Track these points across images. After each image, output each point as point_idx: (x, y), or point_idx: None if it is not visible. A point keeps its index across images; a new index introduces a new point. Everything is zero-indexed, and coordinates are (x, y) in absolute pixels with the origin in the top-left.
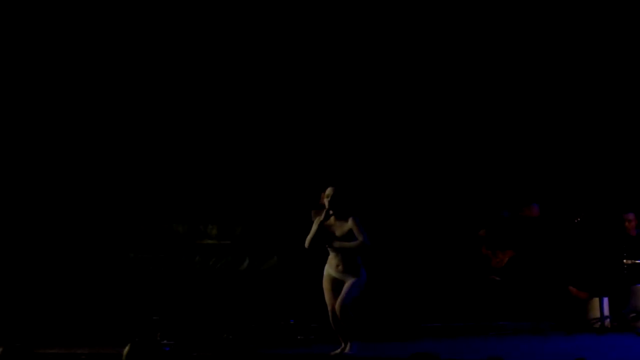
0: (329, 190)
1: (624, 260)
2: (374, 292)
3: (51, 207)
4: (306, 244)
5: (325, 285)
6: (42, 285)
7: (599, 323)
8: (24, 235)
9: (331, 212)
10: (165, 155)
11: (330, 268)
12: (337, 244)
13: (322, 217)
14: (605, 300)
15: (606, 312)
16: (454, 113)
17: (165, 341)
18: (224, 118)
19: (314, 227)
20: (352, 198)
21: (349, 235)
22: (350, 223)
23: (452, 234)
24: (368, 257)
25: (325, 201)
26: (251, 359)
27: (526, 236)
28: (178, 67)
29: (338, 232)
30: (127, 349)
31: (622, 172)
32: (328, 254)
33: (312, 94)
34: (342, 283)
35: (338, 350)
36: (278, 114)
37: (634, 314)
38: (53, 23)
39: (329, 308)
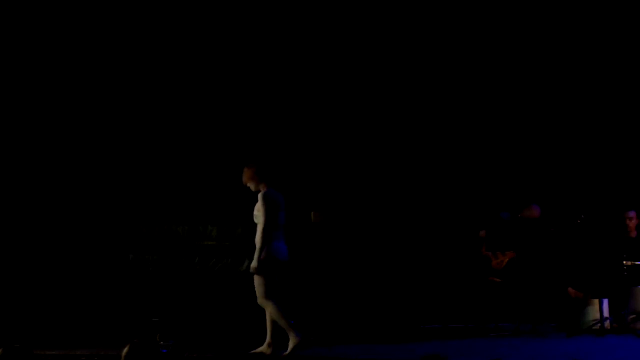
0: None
1: (624, 262)
2: (374, 293)
3: (51, 209)
4: None
5: None
6: (42, 287)
7: (599, 325)
8: (24, 237)
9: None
10: (165, 156)
11: None
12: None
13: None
14: (606, 302)
15: (606, 313)
16: (456, 115)
17: (162, 342)
18: (224, 120)
19: None
20: (262, 173)
21: (259, 212)
22: (259, 199)
23: (453, 236)
24: (365, 257)
25: None
26: None
27: (526, 238)
28: (178, 69)
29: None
30: (126, 350)
31: (622, 172)
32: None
33: (311, 94)
34: None
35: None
36: (277, 116)
37: (634, 316)
38: (53, 23)
39: None
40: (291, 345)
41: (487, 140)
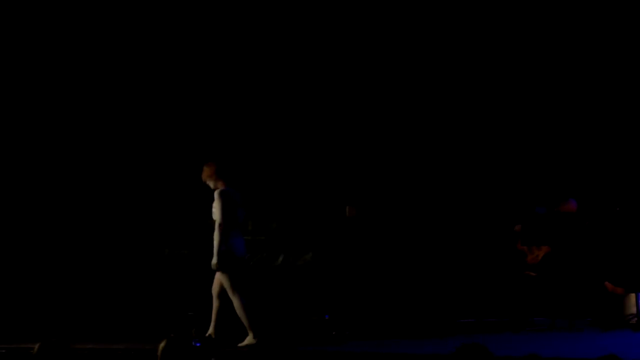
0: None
1: None
2: (409, 288)
3: (89, 203)
4: None
5: None
6: (79, 281)
7: (636, 319)
8: (62, 231)
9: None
10: (202, 149)
11: None
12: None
13: None
14: None
15: None
16: (492, 109)
17: (197, 337)
18: (243, 116)
19: None
20: (221, 172)
21: (215, 209)
22: (215, 197)
23: (488, 230)
24: (400, 252)
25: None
26: (286, 356)
27: (563, 232)
28: (191, 70)
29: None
30: (162, 344)
31: None
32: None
33: (339, 93)
34: None
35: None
36: (311, 111)
37: None
38: (53, 23)
39: None
40: (246, 342)
41: (523, 134)
